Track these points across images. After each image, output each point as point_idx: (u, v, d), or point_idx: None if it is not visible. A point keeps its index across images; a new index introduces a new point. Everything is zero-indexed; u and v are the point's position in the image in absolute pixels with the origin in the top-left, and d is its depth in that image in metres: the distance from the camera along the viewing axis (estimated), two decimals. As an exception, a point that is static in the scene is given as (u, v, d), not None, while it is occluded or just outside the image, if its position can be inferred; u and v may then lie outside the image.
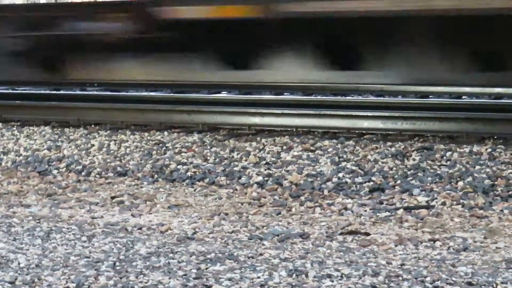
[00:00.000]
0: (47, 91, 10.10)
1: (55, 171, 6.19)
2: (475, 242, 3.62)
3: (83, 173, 6.10)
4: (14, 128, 8.02)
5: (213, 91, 9.62)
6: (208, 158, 6.14)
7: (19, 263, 3.51)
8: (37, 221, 4.52)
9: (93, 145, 6.95)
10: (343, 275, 3.02)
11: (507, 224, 4.03)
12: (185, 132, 7.21)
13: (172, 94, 9.73)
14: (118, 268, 3.31)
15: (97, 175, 6.04)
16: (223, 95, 9.53)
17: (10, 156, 6.79)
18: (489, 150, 5.76)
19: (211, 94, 9.48)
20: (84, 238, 4.01)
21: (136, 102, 9.02)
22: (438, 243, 3.61)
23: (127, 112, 8.40)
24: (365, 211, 4.47)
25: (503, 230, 3.89)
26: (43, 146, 7.07)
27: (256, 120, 7.42)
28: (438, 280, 2.91)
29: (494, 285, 3.00)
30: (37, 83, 10.56)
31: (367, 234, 3.86)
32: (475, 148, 5.88)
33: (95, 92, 10.01)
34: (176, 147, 6.66)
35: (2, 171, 6.35)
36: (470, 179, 5.04)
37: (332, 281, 2.91)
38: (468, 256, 3.34)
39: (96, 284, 3.07)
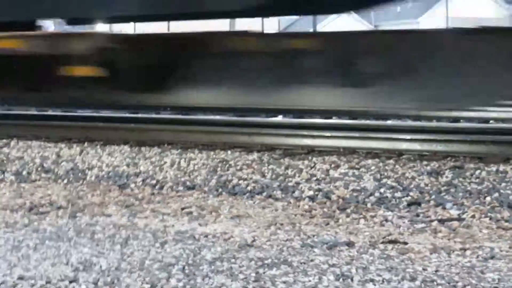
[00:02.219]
0: (127, 114, 10.37)
1: (132, 185, 6.35)
2: (502, 251, 3.72)
3: (157, 187, 6.24)
4: (98, 147, 8.17)
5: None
6: (266, 174, 6.30)
7: (100, 266, 3.70)
8: (117, 229, 4.72)
9: (165, 162, 7.11)
10: (384, 280, 3.14)
11: None
12: (245, 151, 7.34)
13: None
14: (187, 271, 3.45)
15: (169, 189, 6.16)
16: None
17: (94, 171, 6.97)
18: None
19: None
20: (157, 245, 4.17)
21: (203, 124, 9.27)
22: (468, 252, 3.71)
23: (195, 133, 8.65)
24: (404, 222, 4.57)
25: None
26: (122, 162, 7.27)
27: (308, 141, 7.57)
28: (468, 285, 3.04)
29: (519, 290, 3.14)
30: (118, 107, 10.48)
31: (405, 243, 3.94)
32: (501, 167, 5.97)
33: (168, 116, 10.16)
34: (238, 165, 6.81)
35: (87, 185, 6.53)
36: (497, 194, 5.14)
37: (375, 285, 3.05)
38: (495, 264, 3.43)
39: (168, 285, 3.30)
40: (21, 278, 3.41)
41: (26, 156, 7.67)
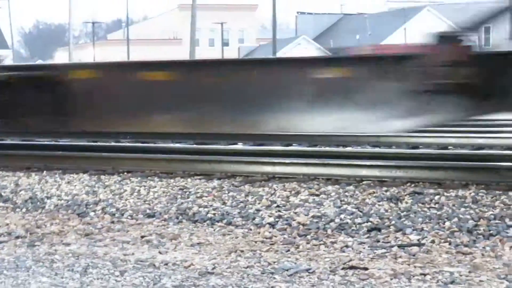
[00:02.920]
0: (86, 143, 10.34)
1: (92, 213, 6.24)
2: (461, 275, 3.71)
3: (116, 215, 6.15)
4: (57, 175, 8.05)
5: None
6: (226, 201, 6.20)
7: None
8: (76, 257, 4.58)
9: (125, 190, 7.01)
10: None
11: (489, 260, 4.07)
12: (206, 179, 7.28)
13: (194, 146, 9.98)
14: None
15: (128, 217, 6.07)
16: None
17: (53, 200, 6.83)
18: (472, 194, 5.84)
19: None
20: (117, 273, 4.10)
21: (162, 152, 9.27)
22: (428, 277, 3.70)
23: (155, 161, 8.68)
24: (364, 248, 4.53)
25: (485, 265, 3.95)
26: (81, 191, 7.12)
27: (268, 168, 7.57)
28: None
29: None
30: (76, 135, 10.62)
31: (366, 268, 3.92)
32: (460, 193, 5.93)
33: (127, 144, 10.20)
34: (198, 192, 6.70)
35: (46, 214, 6.38)
36: (456, 219, 5.11)
37: None
38: None
39: None
40: None
41: None
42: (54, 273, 4.11)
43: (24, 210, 6.58)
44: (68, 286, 3.83)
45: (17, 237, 5.34)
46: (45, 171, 8.20)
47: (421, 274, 3.78)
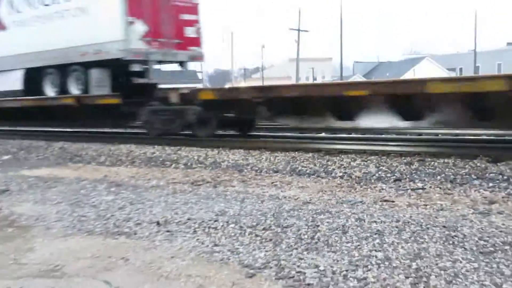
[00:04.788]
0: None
1: (245, 170, 7.49)
2: (446, 206, 4.73)
3: (258, 171, 7.33)
4: (227, 150, 9.42)
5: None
6: (316, 164, 7.46)
7: (229, 213, 4.79)
8: (238, 193, 5.64)
9: (262, 158, 8.49)
10: (382, 221, 4.19)
11: (462, 198, 5.15)
12: (305, 152, 8.49)
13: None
14: (275, 215, 4.55)
15: (264, 172, 7.22)
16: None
17: (225, 163, 8.16)
18: (453, 161, 7.05)
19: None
20: (259, 202, 5.21)
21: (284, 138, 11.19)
22: (428, 206, 4.74)
23: (279, 143, 11.56)
24: (392, 190, 5.68)
25: (461, 200, 5.01)
26: (240, 158, 8.53)
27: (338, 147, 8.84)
28: (428, 224, 4.00)
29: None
30: None
31: (393, 201, 5.04)
32: (446, 160, 7.02)
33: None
34: (301, 159, 7.90)
35: (222, 170, 7.71)
36: (443, 175, 6.16)
37: (377, 224, 4.09)
38: (443, 213, 4.41)
39: (265, 223, 4.31)
40: (189, 219, 4.66)
41: (190, 155, 9.00)
42: (226, 201, 5.31)
43: (210, 168, 7.94)
44: (234, 208, 4.91)
45: (208, 182, 6.72)
46: (220, 148, 9.72)
47: (424, 204, 4.83)
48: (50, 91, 14.42)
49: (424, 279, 2.95)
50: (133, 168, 8.41)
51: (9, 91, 15.01)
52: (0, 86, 15.29)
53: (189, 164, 8.36)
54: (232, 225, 4.30)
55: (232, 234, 4.08)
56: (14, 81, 14.69)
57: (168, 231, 4.25)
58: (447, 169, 6.48)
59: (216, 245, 3.82)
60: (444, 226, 3.96)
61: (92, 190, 6.41)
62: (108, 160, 9.47)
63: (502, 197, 5.06)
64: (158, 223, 4.51)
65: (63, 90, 13.96)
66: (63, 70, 13.91)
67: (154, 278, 3.18)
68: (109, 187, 6.54)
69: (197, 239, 3.98)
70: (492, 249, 3.41)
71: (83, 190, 6.37)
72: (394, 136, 10.24)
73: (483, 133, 9.73)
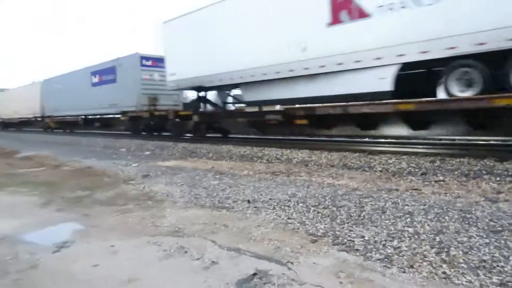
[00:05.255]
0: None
1: (310, 164, 7.16)
2: (462, 195, 4.45)
3: (318, 166, 7.01)
4: (297, 150, 8.97)
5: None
6: (361, 161, 6.99)
7: (297, 196, 4.71)
8: (303, 182, 5.54)
9: (322, 157, 7.98)
10: (412, 205, 4.00)
11: (475, 189, 4.75)
12: (352, 152, 8.01)
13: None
14: (331, 198, 4.42)
15: (324, 166, 6.93)
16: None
17: (295, 159, 7.87)
18: (467, 160, 6.35)
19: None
20: (319, 188, 5.06)
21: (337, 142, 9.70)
22: (447, 194, 4.47)
23: (334, 144, 9.69)
24: (419, 181, 5.39)
25: (474, 190, 4.68)
26: (305, 156, 8.19)
27: (378, 148, 8.02)
28: (447, 207, 3.78)
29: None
30: None
31: (420, 190, 4.78)
32: (461, 159, 6.32)
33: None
34: (350, 157, 7.52)
35: (293, 164, 7.43)
36: (460, 170, 5.65)
37: (408, 206, 3.92)
38: (460, 200, 4.17)
39: (323, 205, 4.24)
40: (270, 199, 4.63)
41: (270, 153, 8.79)
42: (296, 187, 5.23)
43: (284, 162, 7.69)
44: (302, 193, 4.80)
45: (283, 173, 6.56)
46: (293, 149, 9.14)
47: (444, 192, 4.57)
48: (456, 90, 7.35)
49: (446, 249, 2.81)
50: (231, 162, 8.38)
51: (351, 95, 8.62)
52: (334, 88, 8.75)
53: (270, 159, 8.23)
54: (301, 204, 4.25)
55: (301, 210, 4.03)
56: (375, 81, 7.98)
57: (255, 207, 4.24)
58: (462, 166, 6.04)
59: (289, 218, 3.78)
60: (461, 210, 3.74)
61: (203, 176, 6.46)
62: (214, 156, 9.50)
63: (508, 189, 4.71)
64: (248, 201, 4.51)
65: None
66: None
67: (245, 240, 3.21)
68: (215, 175, 6.56)
69: (276, 214, 3.96)
70: (500, 228, 3.20)
71: (198, 177, 6.44)
72: (420, 140, 9.22)
73: (491, 138, 8.70)
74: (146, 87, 16.47)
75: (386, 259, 2.70)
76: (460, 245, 2.86)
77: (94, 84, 19.64)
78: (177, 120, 14.29)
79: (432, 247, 2.84)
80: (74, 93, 21.26)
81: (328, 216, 3.77)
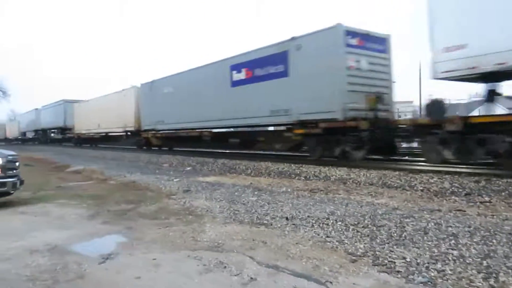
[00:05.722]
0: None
1: (348, 183, 7.06)
2: (509, 217, 4.25)
3: (357, 184, 6.88)
4: (334, 167, 8.99)
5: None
6: (402, 180, 6.81)
7: (336, 213, 4.65)
8: (341, 200, 5.46)
9: (360, 175, 7.76)
10: (456, 226, 3.92)
11: None
12: (393, 170, 7.83)
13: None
14: (371, 218, 4.31)
15: (362, 185, 6.80)
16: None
17: (332, 176, 7.81)
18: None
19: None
20: (358, 206, 4.96)
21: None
22: (494, 216, 4.34)
23: (375, 162, 8.91)
24: (463, 202, 5.24)
25: None
26: (344, 174, 8.06)
27: (418, 167, 7.64)
28: (494, 230, 3.64)
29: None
30: None
31: (464, 211, 4.69)
32: (507, 180, 6.01)
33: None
34: (390, 176, 7.39)
35: (331, 182, 7.35)
36: (507, 192, 5.44)
37: (451, 228, 3.85)
38: (508, 223, 4.01)
39: (362, 224, 4.18)
40: (308, 216, 4.59)
41: (308, 170, 8.67)
42: (335, 205, 5.22)
43: (322, 180, 7.61)
44: (340, 211, 4.73)
45: (321, 190, 6.52)
46: (330, 166, 8.96)
47: (491, 214, 4.49)
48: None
49: (494, 275, 2.67)
50: (269, 178, 8.39)
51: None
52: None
53: (308, 177, 8.21)
54: (339, 223, 4.20)
55: (339, 229, 3.97)
56: None
57: (293, 224, 4.21)
58: (510, 187, 5.80)
59: (327, 236, 3.74)
60: (510, 233, 3.56)
61: (242, 192, 6.48)
62: (253, 172, 9.52)
63: (561, 212, 4.39)
64: (286, 218, 4.49)
65: None
66: None
67: (284, 257, 3.19)
68: (253, 191, 6.58)
69: (314, 231, 3.92)
70: (553, 254, 3.00)
71: (237, 192, 6.47)
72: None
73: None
74: (354, 80, 9.76)
75: (429, 283, 2.61)
76: (510, 271, 2.71)
77: (237, 83, 12.75)
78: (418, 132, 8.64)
79: (479, 272, 2.71)
80: (196, 98, 14.60)
81: (368, 235, 3.70)
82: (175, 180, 8.37)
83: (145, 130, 18.59)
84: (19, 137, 45.67)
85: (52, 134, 35.35)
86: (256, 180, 8.09)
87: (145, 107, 18.44)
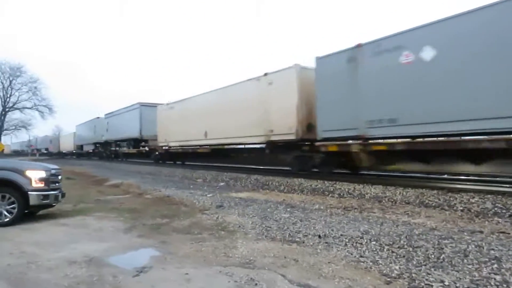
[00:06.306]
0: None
1: (384, 201, 6.87)
2: None
3: (393, 202, 6.65)
4: (365, 185, 8.68)
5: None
6: (440, 199, 6.52)
7: (371, 233, 4.48)
8: (377, 219, 5.30)
9: (396, 193, 7.51)
10: (499, 249, 3.75)
11: None
12: (430, 189, 7.48)
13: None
14: (407, 237, 4.19)
15: (398, 203, 6.57)
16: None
17: (368, 194, 7.54)
18: None
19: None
20: (394, 226, 4.84)
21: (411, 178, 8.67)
22: None
23: (410, 180, 8.73)
24: (507, 223, 4.99)
25: None
26: (380, 192, 7.79)
27: (458, 186, 7.37)
28: None
29: None
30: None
31: (508, 233, 4.47)
32: None
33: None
34: (427, 195, 7.06)
35: (365, 200, 7.12)
36: None
37: (494, 251, 3.70)
38: None
39: (399, 243, 4.04)
40: (342, 235, 4.47)
41: (342, 188, 8.41)
42: (369, 224, 5.13)
43: (357, 198, 7.41)
44: (375, 230, 4.59)
45: (355, 208, 6.33)
46: (364, 184, 8.76)
47: None
48: None
49: (540, 302, 2.46)
50: (302, 195, 8.35)
51: None
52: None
53: (341, 194, 8.09)
54: (374, 242, 4.11)
55: (373, 249, 3.88)
56: None
57: (326, 243, 4.16)
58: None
59: (361, 256, 3.66)
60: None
61: (274, 209, 6.45)
62: (286, 188, 9.48)
63: None
64: (319, 236, 4.44)
65: None
66: None
67: (315, 276, 3.14)
68: (286, 207, 6.53)
69: (347, 250, 3.86)
70: None
71: (269, 209, 6.45)
72: (508, 179, 8.40)
73: None
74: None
75: (469, 309, 2.44)
76: (558, 298, 2.50)
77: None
78: None
79: (524, 299, 2.51)
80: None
81: (404, 256, 3.59)
82: (208, 195, 8.44)
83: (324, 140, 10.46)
84: (74, 151, 39.02)
85: (123, 148, 25.89)
86: (289, 197, 8.05)
87: (326, 103, 10.25)
